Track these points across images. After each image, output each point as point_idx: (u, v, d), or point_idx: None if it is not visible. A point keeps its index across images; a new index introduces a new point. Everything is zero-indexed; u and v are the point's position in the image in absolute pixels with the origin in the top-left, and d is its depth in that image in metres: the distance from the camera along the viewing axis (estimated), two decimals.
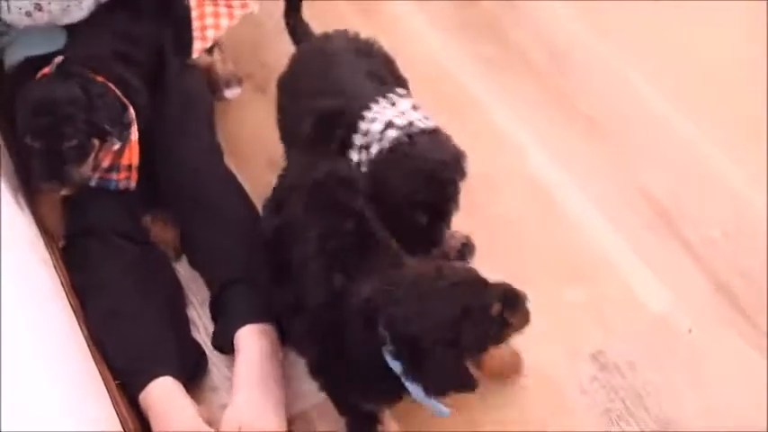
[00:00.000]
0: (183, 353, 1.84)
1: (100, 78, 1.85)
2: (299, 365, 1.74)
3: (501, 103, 2.25)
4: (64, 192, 1.85)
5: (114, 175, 1.90)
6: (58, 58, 1.87)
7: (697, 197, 2.05)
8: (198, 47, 2.08)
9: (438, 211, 1.74)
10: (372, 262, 1.57)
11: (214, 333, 1.88)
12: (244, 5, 2.15)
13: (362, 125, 1.76)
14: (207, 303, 1.92)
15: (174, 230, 1.99)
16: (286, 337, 1.82)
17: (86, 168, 1.82)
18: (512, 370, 1.81)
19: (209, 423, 1.69)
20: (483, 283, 1.51)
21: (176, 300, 1.95)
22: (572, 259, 1.98)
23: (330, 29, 1.99)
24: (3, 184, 1.76)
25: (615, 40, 2.34)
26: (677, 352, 1.83)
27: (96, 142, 1.81)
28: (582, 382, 1.80)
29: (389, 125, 1.74)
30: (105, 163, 1.87)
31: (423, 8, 2.45)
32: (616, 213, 2.04)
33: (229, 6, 2.14)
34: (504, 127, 2.20)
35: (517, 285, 1.88)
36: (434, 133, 1.77)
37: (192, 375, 1.82)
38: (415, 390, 1.50)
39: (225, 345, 1.84)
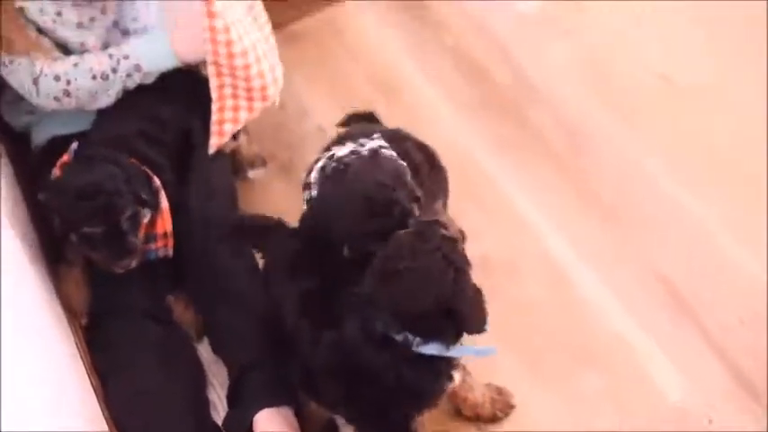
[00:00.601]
0: (204, 429, 1.86)
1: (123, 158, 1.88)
2: None
3: (519, 184, 2.28)
4: (134, 264, 1.85)
5: (153, 245, 1.92)
6: (74, 144, 1.91)
7: (713, 283, 2.05)
8: (214, 142, 2.04)
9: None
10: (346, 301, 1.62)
11: (227, 416, 1.89)
12: (264, 98, 2.05)
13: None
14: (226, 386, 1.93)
15: (196, 312, 2.02)
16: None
17: (139, 238, 1.85)
18: (505, 407, 1.88)
19: None
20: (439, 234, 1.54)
21: (198, 381, 1.96)
22: (589, 344, 1.99)
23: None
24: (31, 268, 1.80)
25: (631, 124, 2.37)
26: None
27: (144, 211, 1.85)
28: None
29: (331, 158, 1.72)
30: (141, 236, 1.88)
31: (442, 88, 2.50)
32: (632, 298, 2.06)
33: (250, 99, 2.04)
34: (521, 209, 2.23)
35: (533, 370, 1.94)
36: (373, 155, 1.67)
37: None
38: (461, 350, 1.58)
39: (240, 430, 1.84)
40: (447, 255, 1.51)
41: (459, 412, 1.88)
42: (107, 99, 2.00)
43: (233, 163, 2.27)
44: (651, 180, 2.26)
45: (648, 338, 1.99)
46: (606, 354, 1.97)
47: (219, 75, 1.97)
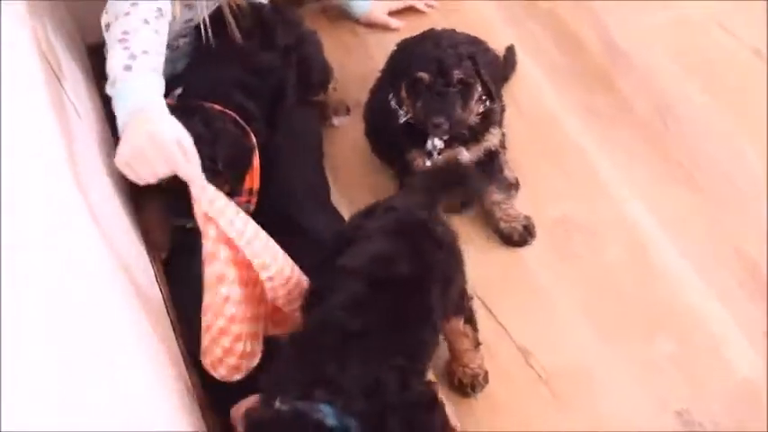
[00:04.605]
0: None
1: (218, 107, 1.88)
2: None
3: (603, 150, 2.28)
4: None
5: (236, 199, 1.90)
6: (178, 90, 1.91)
7: None
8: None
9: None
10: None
11: None
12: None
13: None
14: None
15: None
16: None
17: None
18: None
19: None
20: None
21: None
22: (664, 312, 1.99)
23: None
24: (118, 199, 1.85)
25: (721, 98, 2.35)
26: (763, 418, 1.82)
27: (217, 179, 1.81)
28: None
29: None
30: (227, 188, 1.87)
31: (533, 50, 2.50)
32: (710, 270, 2.05)
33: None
34: (604, 175, 2.23)
35: (605, 332, 1.95)
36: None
37: None
38: None
39: None
40: None
41: None
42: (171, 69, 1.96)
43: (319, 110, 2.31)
44: (738, 156, 2.24)
45: (723, 312, 1.98)
46: (680, 323, 1.97)
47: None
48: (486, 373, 1.87)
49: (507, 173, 2.16)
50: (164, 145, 1.55)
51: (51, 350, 1.00)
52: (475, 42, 2.06)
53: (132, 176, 1.60)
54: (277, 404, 1.40)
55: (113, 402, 1.15)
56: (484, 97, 2.02)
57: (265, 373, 1.58)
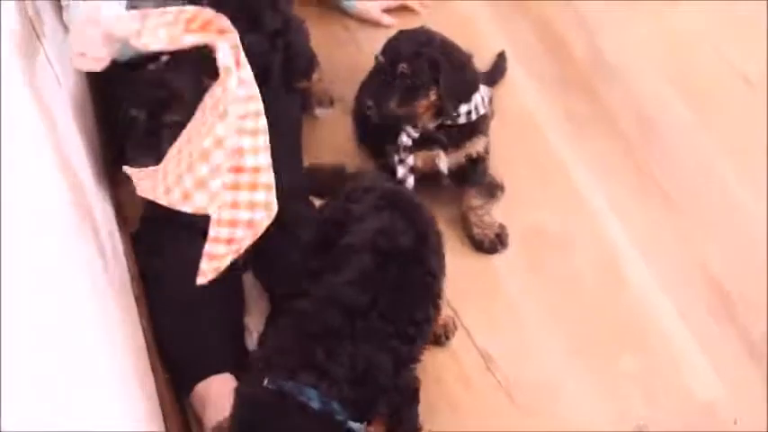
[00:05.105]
0: (241, 356, 1.89)
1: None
2: None
3: (582, 160, 2.27)
4: None
5: None
6: (164, 57, 1.91)
7: (762, 290, 2.04)
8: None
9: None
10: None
11: (262, 335, 1.92)
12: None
13: None
14: (265, 315, 1.97)
15: None
16: None
17: None
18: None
19: None
20: None
21: (238, 306, 2.00)
22: (629, 328, 2.00)
23: None
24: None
25: (705, 119, 2.34)
26: None
27: None
28: None
29: None
30: None
31: (518, 52, 2.47)
32: (677, 290, 2.06)
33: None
34: (581, 185, 2.23)
35: (575, 346, 1.96)
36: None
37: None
38: None
39: None
40: None
41: None
42: None
43: (303, 99, 2.29)
44: (717, 178, 2.24)
45: (688, 333, 1.99)
46: (644, 340, 1.98)
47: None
48: None
49: (491, 176, 2.17)
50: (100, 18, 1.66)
51: None
52: (449, 52, 1.99)
53: (86, 65, 1.72)
54: (265, 382, 1.46)
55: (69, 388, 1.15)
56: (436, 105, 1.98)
57: (259, 348, 1.66)
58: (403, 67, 1.93)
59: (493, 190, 2.16)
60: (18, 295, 1.02)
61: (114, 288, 1.70)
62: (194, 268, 1.90)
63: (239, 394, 1.52)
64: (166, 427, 1.68)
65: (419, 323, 1.62)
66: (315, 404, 1.44)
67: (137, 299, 1.86)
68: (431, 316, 1.69)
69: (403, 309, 1.58)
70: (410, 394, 1.67)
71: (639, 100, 2.39)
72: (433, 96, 1.96)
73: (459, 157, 2.06)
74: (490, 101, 2.13)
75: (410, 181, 2.03)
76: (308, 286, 1.63)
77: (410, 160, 2.02)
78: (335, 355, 1.48)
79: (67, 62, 1.80)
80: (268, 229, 1.95)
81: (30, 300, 1.08)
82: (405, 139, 2.02)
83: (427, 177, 2.08)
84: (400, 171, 2.03)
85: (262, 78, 2.04)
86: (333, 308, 1.53)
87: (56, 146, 1.55)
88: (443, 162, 2.05)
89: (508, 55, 2.44)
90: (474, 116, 2.03)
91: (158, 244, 1.95)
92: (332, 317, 1.51)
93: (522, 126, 2.33)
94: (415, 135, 2.02)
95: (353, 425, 1.48)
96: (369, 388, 1.50)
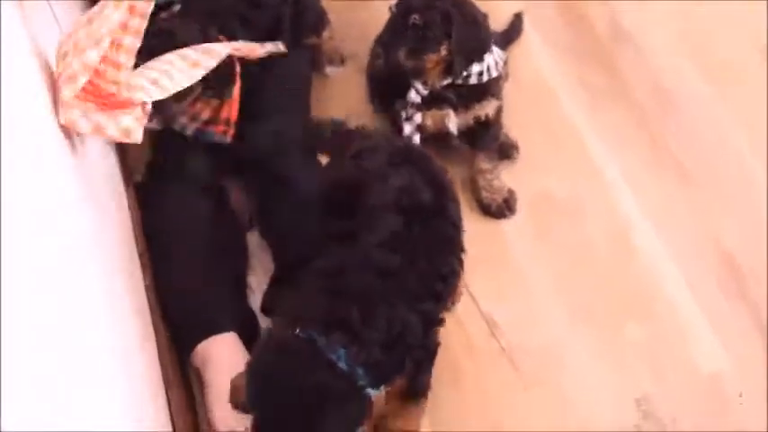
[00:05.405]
0: (243, 316, 1.89)
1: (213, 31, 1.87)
2: None
3: (596, 129, 2.24)
4: (153, 124, 1.83)
5: (213, 128, 1.92)
6: (176, 6, 1.90)
7: None
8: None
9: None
10: None
11: (266, 294, 1.92)
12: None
13: None
14: (269, 274, 1.96)
15: (250, 200, 2.03)
16: None
17: (181, 107, 1.85)
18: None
19: None
20: None
21: (240, 263, 1.99)
22: (637, 299, 1.98)
23: None
24: None
25: (722, 91, 2.31)
26: (723, 416, 1.82)
27: (198, 87, 1.82)
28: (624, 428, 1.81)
29: None
30: (205, 115, 1.90)
31: (537, 21, 2.44)
32: (688, 262, 2.03)
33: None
34: (594, 154, 2.20)
35: (581, 314, 1.94)
36: None
37: (244, 337, 1.84)
38: None
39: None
40: None
41: None
42: None
43: (313, 57, 2.26)
44: (732, 152, 2.20)
45: (696, 306, 1.96)
46: (652, 312, 1.95)
47: None
48: None
49: (506, 137, 2.15)
50: None
51: None
52: (463, 6, 1.94)
53: None
54: (297, 331, 1.42)
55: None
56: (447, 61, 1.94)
57: (286, 298, 1.60)
58: (415, 17, 1.89)
59: (508, 150, 2.14)
60: (18, 295, 1.00)
61: (118, 253, 1.67)
62: (197, 224, 1.90)
63: (268, 336, 1.48)
64: (168, 397, 1.66)
65: (446, 277, 1.61)
66: (342, 365, 1.41)
67: (140, 255, 1.84)
68: (456, 269, 1.67)
69: (432, 265, 1.56)
70: (431, 353, 1.65)
71: (656, 72, 2.35)
72: (443, 52, 1.92)
73: (468, 118, 2.03)
74: (505, 64, 2.09)
75: (416, 139, 1.99)
76: (331, 248, 1.59)
77: (418, 118, 1.99)
78: (371, 319, 1.44)
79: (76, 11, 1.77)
80: (272, 188, 1.95)
81: (30, 300, 1.05)
82: (413, 96, 1.98)
83: (436, 137, 2.05)
84: (407, 128, 1.99)
85: (272, 32, 2.03)
86: (367, 270, 1.49)
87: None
88: (452, 122, 2.02)
89: (525, 20, 2.40)
90: (486, 77, 1.98)
91: (161, 199, 1.93)
92: (367, 279, 1.49)
93: (536, 91, 2.30)
94: (425, 93, 1.98)
95: (371, 391, 1.45)
96: (399, 350, 1.48)
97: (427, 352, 1.62)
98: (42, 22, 1.57)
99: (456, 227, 1.66)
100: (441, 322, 1.62)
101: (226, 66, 1.86)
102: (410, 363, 1.52)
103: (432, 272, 1.55)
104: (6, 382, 0.87)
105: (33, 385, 0.95)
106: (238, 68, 1.90)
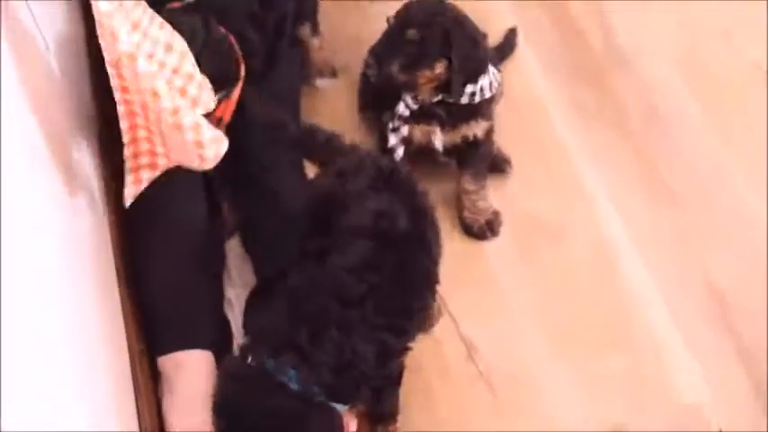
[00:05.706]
0: (219, 325, 1.87)
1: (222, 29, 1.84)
2: None
3: (585, 151, 2.22)
4: None
5: None
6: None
7: (760, 298, 1.98)
8: (130, 192, 1.77)
9: None
10: None
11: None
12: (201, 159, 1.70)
13: None
14: (248, 288, 1.93)
15: (234, 211, 2.01)
16: None
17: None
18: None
19: None
20: None
21: (218, 272, 1.96)
22: (619, 325, 1.95)
23: None
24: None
25: (715, 114, 2.28)
26: None
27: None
28: None
29: None
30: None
31: (531, 37, 2.42)
32: (673, 291, 2.00)
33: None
34: (582, 176, 2.17)
35: (562, 339, 1.92)
36: None
37: (219, 350, 1.82)
38: None
39: None
40: None
41: None
42: None
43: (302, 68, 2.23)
44: (723, 177, 2.18)
45: (679, 335, 1.93)
46: (633, 339, 1.93)
47: (132, 114, 1.68)
48: None
49: (499, 152, 2.14)
50: None
51: None
52: (463, 25, 1.91)
53: None
54: (249, 359, 1.49)
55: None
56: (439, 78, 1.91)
57: (251, 318, 1.70)
58: (412, 32, 1.87)
59: (500, 164, 2.13)
60: (18, 295, 1.00)
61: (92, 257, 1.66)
62: (189, 225, 1.87)
63: (223, 369, 1.56)
64: (138, 407, 1.64)
65: (415, 312, 1.59)
66: (293, 385, 1.44)
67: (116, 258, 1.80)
68: (428, 303, 1.65)
69: (401, 296, 1.55)
70: (393, 380, 1.65)
71: (650, 92, 2.33)
72: (438, 69, 1.89)
73: (455, 137, 2.00)
74: (499, 84, 2.06)
75: (399, 151, 1.97)
76: (305, 264, 1.59)
77: (404, 130, 1.97)
78: (320, 341, 1.46)
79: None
80: (257, 200, 1.93)
81: (30, 300, 1.05)
82: (402, 109, 1.96)
83: (423, 152, 2.03)
84: (392, 139, 1.97)
85: (277, 31, 2.00)
86: (328, 293, 1.49)
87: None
88: (438, 139, 1.99)
89: (519, 35, 2.38)
90: (477, 98, 1.95)
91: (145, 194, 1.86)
92: (325, 302, 1.49)
93: (527, 108, 2.28)
94: (414, 107, 1.95)
95: (336, 405, 1.49)
96: (349, 376, 1.48)
97: (388, 379, 1.61)
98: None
99: (432, 259, 1.63)
100: (403, 352, 1.60)
101: (232, 62, 1.84)
102: (367, 390, 1.52)
103: (398, 303, 1.53)
104: (6, 382, 0.87)
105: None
106: (243, 72, 1.86)
